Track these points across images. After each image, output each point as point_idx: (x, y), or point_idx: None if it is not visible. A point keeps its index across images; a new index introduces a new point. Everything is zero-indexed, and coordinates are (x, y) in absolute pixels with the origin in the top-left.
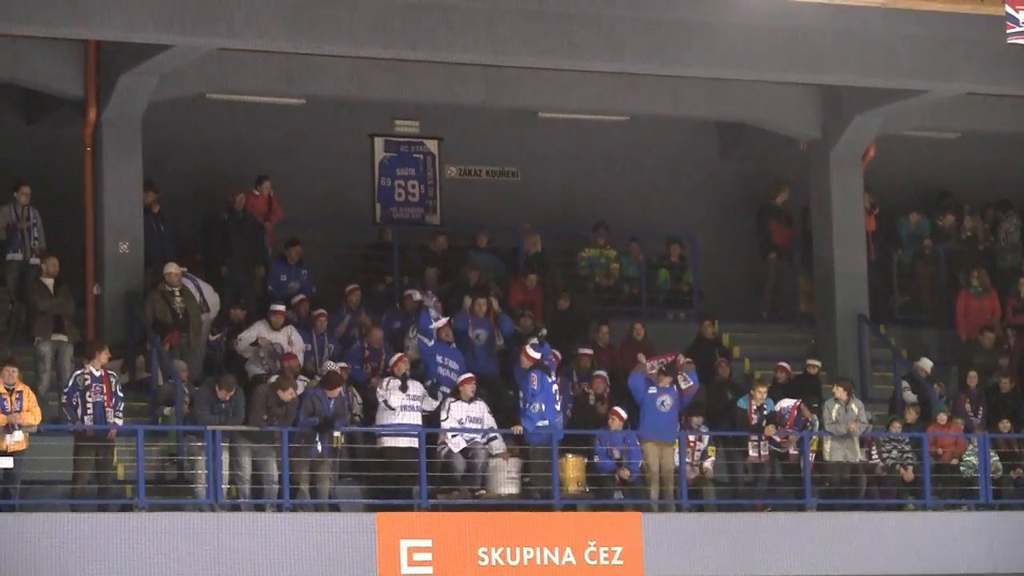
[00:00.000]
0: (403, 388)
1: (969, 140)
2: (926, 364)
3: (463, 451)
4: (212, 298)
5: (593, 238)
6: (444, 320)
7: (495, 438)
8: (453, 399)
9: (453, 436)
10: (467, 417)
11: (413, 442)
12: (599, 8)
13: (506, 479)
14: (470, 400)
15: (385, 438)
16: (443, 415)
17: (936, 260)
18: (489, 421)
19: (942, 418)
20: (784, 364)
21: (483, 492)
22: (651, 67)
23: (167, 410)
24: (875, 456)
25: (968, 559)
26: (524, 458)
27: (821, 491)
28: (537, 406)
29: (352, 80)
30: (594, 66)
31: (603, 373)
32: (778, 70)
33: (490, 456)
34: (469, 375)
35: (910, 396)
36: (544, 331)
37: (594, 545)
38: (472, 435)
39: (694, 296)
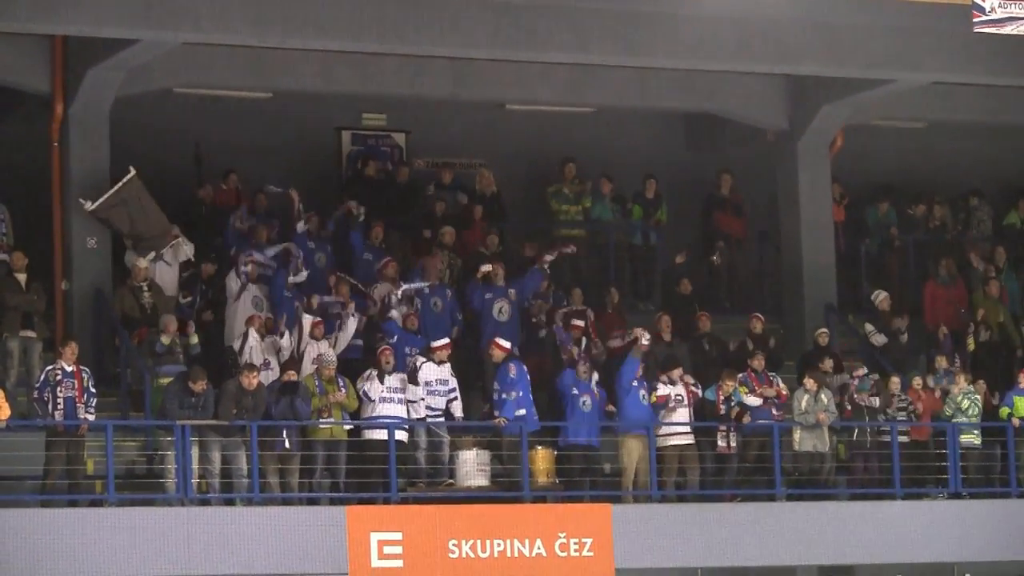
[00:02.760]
0: (383, 380)
1: (936, 129)
2: (883, 295)
3: (429, 444)
4: (184, 250)
5: (561, 174)
6: (407, 309)
7: (455, 399)
8: (424, 359)
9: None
10: (436, 379)
11: (395, 434)
12: (565, 0)
13: (475, 470)
14: (440, 363)
15: (364, 430)
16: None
17: (904, 250)
18: (453, 382)
19: (917, 381)
20: (759, 315)
21: (451, 483)
22: (618, 58)
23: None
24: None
25: (938, 548)
26: (495, 449)
27: (790, 481)
28: (515, 394)
29: (319, 74)
30: (560, 58)
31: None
32: (745, 61)
33: (455, 448)
34: (444, 342)
35: (880, 338)
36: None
37: (564, 537)
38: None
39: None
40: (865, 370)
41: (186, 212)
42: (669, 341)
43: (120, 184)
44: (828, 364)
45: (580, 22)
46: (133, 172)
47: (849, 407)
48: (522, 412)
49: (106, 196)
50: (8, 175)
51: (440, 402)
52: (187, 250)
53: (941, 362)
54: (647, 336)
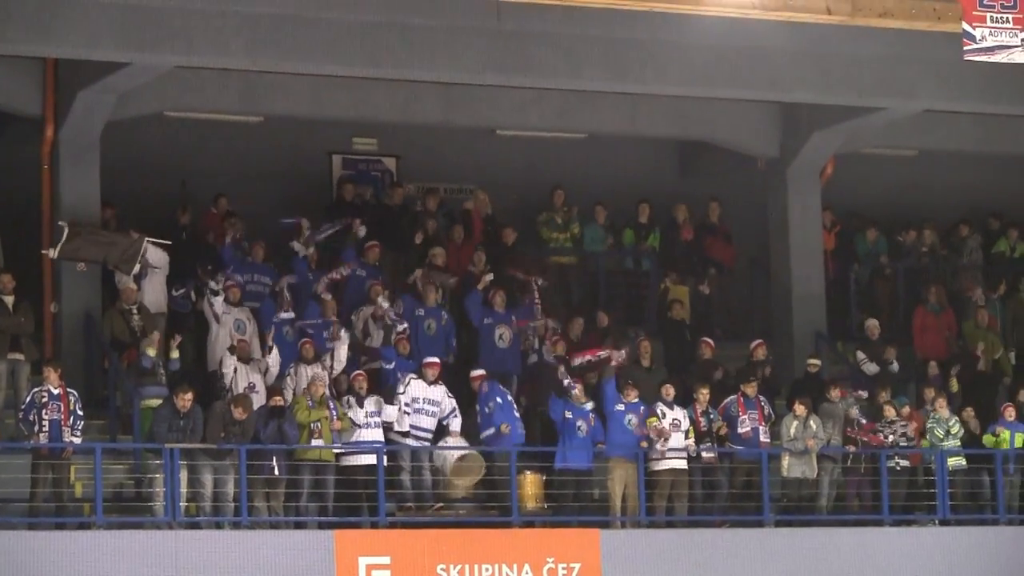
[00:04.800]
0: (361, 405)
1: (927, 157)
2: (873, 323)
3: (414, 469)
4: (156, 256)
5: (551, 202)
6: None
7: (454, 416)
8: (414, 376)
9: (405, 413)
10: (424, 398)
11: (373, 459)
12: (557, 26)
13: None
14: (430, 383)
15: (345, 456)
16: (400, 388)
17: (894, 277)
18: (448, 404)
19: (906, 412)
20: (761, 342)
21: (441, 508)
22: (609, 85)
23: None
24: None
25: (926, 574)
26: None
27: (779, 507)
28: (492, 404)
29: (310, 98)
30: (552, 84)
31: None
32: (737, 88)
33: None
34: (435, 360)
35: (871, 367)
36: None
37: (552, 562)
38: (422, 433)
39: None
40: (865, 393)
41: (170, 236)
42: (648, 367)
43: (64, 238)
44: (836, 393)
45: (572, 48)
46: (64, 224)
47: (857, 436)
48: (507, 428)
49: (61, 244)
50: None
51: (428, 422)
52: (159, 254)
53: (929, 394)
54: (619, 355)
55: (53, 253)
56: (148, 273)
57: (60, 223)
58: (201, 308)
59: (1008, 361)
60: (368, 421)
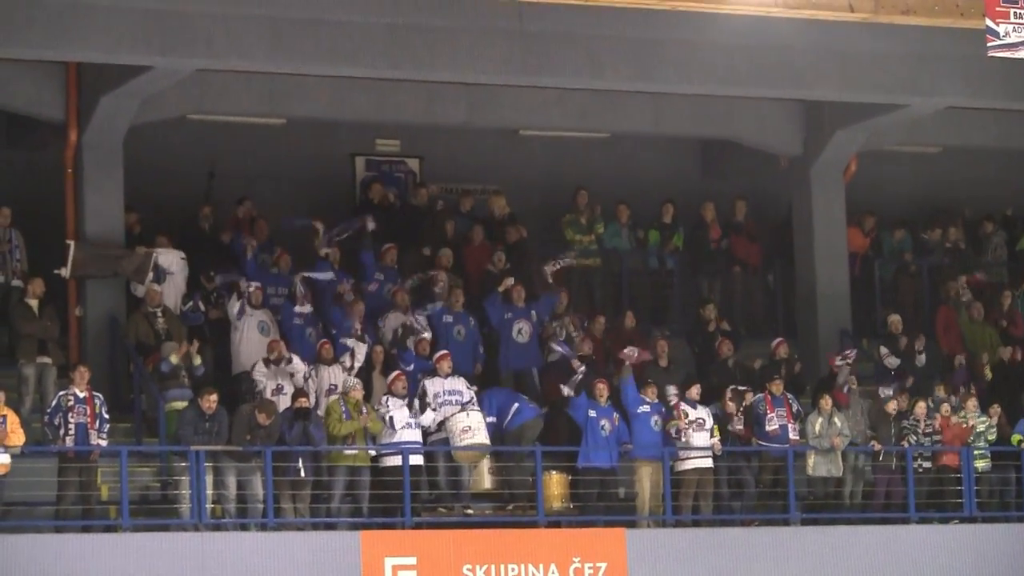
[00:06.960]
0: (411, 406)
1: (951, 154)
2: (895, 319)
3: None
4: (169, 260)
5: (574, 204)
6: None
7: (473, 407)
8: (429, 378)
9: (424, 412)
10: (445, 391)
11: (413, 460)
12: (579, 27)
13: (485, 475)
14: (447, 375)
15: (385, 457)
16: (419, 390)
17: (919, 275)
18: (469, 395)
19: (945, 408)
20: (782, 340)
21: (469, 511)
22: (632, 85)
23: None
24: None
25: (953, 573)
26: (507, 474)
27: (805, 506)
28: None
29: (333, 100)
30: (575, 84)
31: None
32: (759, 86)
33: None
34: (444, 352)
35: (892, 361)
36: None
37: (579, 561)
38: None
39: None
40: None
41: (191, 234)
42: (666, 367)
43: (71, 256)
44: (853, 381)
45: (594, 48)
46: (70, 244)
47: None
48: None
49: (71, 262)
50: (22, 202)
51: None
52: (172, 259)
53: (948, 390)
54: (635, 352)
55: (65, 272)
56: (166, 278)
57: (67, 242)
58: (213, 317)
59: None
60: (409, 421)
